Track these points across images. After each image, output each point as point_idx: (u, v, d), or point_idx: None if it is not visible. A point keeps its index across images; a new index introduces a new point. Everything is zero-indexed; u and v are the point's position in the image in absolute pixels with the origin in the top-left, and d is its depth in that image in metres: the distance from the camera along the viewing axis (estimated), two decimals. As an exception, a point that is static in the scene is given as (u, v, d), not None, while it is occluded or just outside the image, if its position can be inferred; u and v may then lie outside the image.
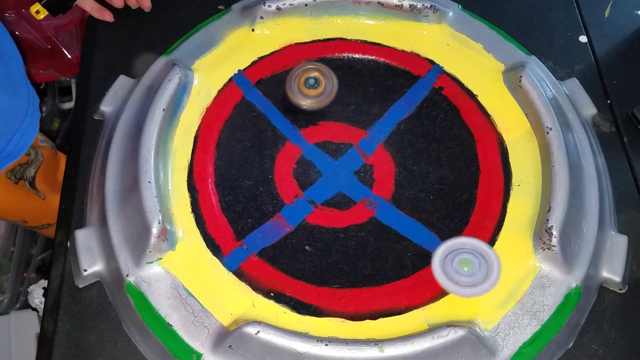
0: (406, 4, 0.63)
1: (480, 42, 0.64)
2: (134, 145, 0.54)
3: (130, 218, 0.51)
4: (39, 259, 1.02)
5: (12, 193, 0.71)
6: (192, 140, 0.58)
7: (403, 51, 0.64)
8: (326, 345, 0.45)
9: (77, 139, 0.61)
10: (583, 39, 0.69)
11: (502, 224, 0.54)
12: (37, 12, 0.65)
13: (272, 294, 0.50)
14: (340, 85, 0.62)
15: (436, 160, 0.58)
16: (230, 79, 0.61)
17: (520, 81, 0.59)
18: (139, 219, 0.50)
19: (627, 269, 0.54)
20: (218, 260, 0.51)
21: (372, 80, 0.63)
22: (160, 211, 0.50)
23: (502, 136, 0.59)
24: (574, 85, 0.64)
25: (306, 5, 0.64)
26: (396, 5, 0.64)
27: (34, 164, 0.72)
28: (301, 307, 0.50)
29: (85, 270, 0.52)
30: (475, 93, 0.61)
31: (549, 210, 0.51)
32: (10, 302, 0.96)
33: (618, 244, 0.54)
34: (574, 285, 0.50)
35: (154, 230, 0.49)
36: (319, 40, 0.64)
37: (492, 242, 0.53)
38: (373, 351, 0.45)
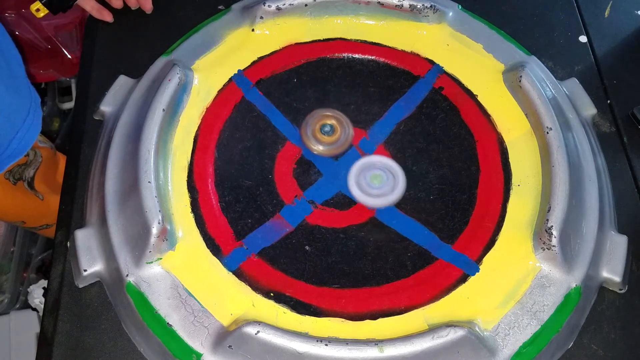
0: (406, 4, 0.63)
1: (480, 42, 0.64)
2: (133, 145, 0.54)
3: (130, 218, 0.51)
4: (39, 259, 1.02)
5: (10, 194, 0.71)
6: (192, 140, 0.58)
7: (403, 51, 0.64)
8: (326, 345, 0.45)
9: (77, 139, 0.61)
10: (583, 39, 0.69)
11: (502, 224, 0.54)
12: (37, 10, 0.65)
13: (272, 294, 0.50)
14: (340, 85, 0.62)
15: (436, 160, 0.58)
16: (230, 79, 0.61)
17: (520, 81, 0.59)
18: (138, 219, 0.50)
19: (627, 269, 0.54)
20: (218, 260, 0.51)
21: (372, 80, 0.63)
22: (160, 211, 0.50)
23: (502, 136, 0.59)
24: (573, 85, 0.64)
25: (306, 5, 0.64)
26: (396, 5, 0.64)
27: (33, 164, 0.72)
28: (301, 307, 0.50)
29: (85, 270, 0.52)
30: (475, 93, 0.61)
31: (548, 210, 0.51)
32: (10, 302, 0.96)
33: (618, 244, 0.54)
34: (573, 285, 0.50)
35: (154, 230, 0.49)
36: (319, 40, 0.64)
37: (492, 242, 0.53)
38: (373, 351, 0.45)
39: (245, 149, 0.58)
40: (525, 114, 0.59)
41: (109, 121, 0.61)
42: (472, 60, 0.63)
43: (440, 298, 0.50)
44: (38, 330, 0.90)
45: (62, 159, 0.81)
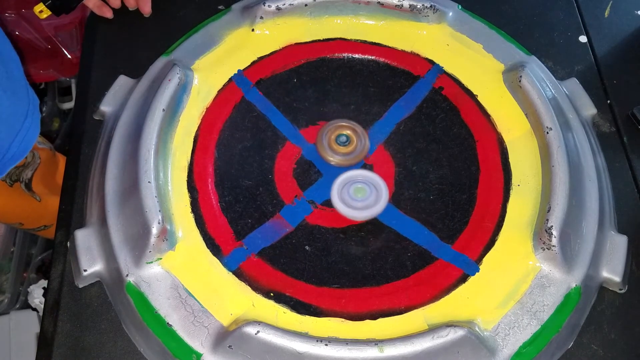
0: (406, 4, 0.63)
1: (480, 42, 0.64)
2: (133, 145, 0.54)
3: (130, 218, 0.51)
4: (39, 259, 1.02)
5: (7, 196, 0.71)
6: (192, 140, 0.58)
7: (403, 51, 0.64)
8: (326, 345, 0.45)
9: (77, 139, 0.61)
10: (583, 39, 0.69)
11: (502, 224, 0.54)
12: (41, 11, 0.65)
13: (272, 294, 0.50)
14: (340, 85, 0.62)
15: (436, 160, 0.58)
16: (230, 79, 0.61)
17: (520, 81, 0.59)
18: (138, 219, 0.50)
19: (627, 269, 0.54)
20: (218, 260, 0.51)
21: (372, 80, 0.63)
22: (160, 211, 0.50)
23: (502, 136, 0.59)
24: (573, 85, 0.64)
25: (306, 5, 0.64)
26: (396, 5, 0.64)
27: (31, 166, 0.72)
28: (301, 307, 0.50)
29: (85, 270, 0.52)
30: (475, 93, 0.61)
31: (548, 210, 0.51)
32: (10, 302, 0.96)
33: (618, 244, 0.54)
34: (573, 285, 0.50)
35: (154, 230, 0.49)
36: (319, 40, 0.64)
37: (492, 242, 0.53)
38: (373, 351, 0.45)
39: (245, 149, 0.58)
40: (525, 114, 0.59)
41: (109, 121, 0.61)
42: (472, 60, 0.63)
43: (440, 298, 0.50)
44: (38, 330, 0.90)
45: (61, 160, 0.81)
